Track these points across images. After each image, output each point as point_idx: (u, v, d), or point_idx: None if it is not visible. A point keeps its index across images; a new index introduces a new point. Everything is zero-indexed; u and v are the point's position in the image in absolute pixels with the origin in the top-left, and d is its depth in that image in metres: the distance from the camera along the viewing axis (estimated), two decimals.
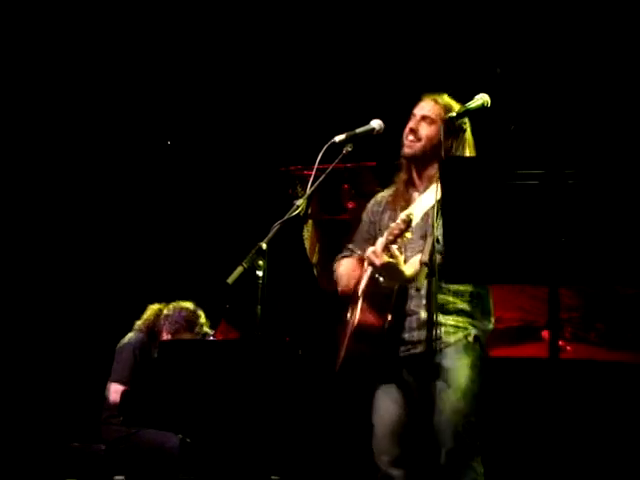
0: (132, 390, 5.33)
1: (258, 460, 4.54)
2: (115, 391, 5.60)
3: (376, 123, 4.12)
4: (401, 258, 3.83)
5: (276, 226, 3.82)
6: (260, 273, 3.75)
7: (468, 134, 4.10)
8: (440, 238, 3.64)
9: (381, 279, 3.92)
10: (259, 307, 3.76)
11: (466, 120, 4.02)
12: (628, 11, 6.07)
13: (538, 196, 3.07)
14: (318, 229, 5.50)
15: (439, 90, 4.18)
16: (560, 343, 4.79)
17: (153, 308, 6.11)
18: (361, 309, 3.97)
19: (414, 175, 4.13)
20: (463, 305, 4.01)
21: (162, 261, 7.28)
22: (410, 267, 3.88)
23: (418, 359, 3.97)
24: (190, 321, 5.96)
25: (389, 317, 3.98)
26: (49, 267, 7.31)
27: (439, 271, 3.63)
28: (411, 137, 4.08)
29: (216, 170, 7.40)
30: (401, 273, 3.85)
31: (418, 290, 3.95)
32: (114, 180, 7.40)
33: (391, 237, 3.77)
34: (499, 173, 3.11)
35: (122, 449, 5.67)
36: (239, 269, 3.69)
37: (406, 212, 3.83)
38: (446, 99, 4.14)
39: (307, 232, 5.52)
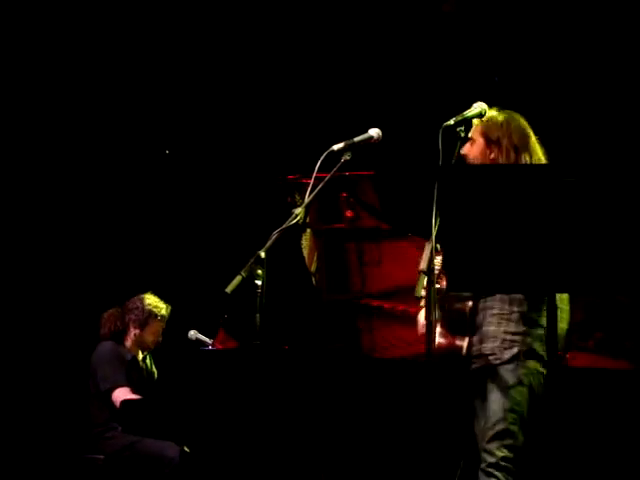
0: (131, 399, 5.36)
1: (258, 469, 4.53)
2: (121, 395, 5.58)
3: (374, 132, 4.12)
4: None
5: (275, 235, 3.81)
6: (259, 282, 3.74)
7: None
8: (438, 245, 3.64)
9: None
10: (258, 316, 3.76)
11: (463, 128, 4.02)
12: (624, 18, 6.08)
13: (538, 204, 3.07)
14: (316, 238, 5.49)
15: (438, 97, 4.18)
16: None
17: (110, 312, 6.11)
18: (440, 334, 4.03)
19: None
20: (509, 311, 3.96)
21: (160, 269, 7.27)
22: None
23: (477, 374, 4.00)
24: (153, 308, 6.03)
25: (466, 340, 4.04)
26: (43, 280, 7.29)
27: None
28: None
29: (214, 179, 7.41)
30: None
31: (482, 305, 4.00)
32: (113, 186, 7.41)
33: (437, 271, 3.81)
34: (498, 181, 3.11)
35: (121, 459, 5.65)
36: (238, 278, 3.69)
37: None
38: (488, 114, 4.11)
39: (305, 241, 5.51)
